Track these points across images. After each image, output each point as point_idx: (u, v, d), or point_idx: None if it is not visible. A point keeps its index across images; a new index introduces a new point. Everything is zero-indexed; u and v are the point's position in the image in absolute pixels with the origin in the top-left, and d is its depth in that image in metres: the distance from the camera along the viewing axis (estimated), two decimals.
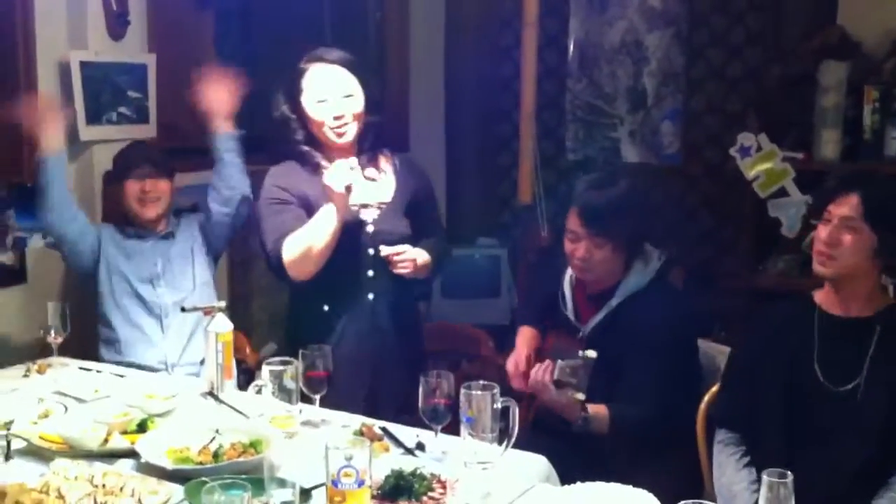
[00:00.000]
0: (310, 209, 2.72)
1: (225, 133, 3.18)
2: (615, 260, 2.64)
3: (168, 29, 3.72)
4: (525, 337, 2.92)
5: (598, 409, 2.51)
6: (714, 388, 2.52)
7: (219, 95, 3.12)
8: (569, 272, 2.78)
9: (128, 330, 3.14)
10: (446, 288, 4.78)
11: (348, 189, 2.59)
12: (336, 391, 2.43)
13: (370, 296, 2.77)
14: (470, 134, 5.16)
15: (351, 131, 2.76)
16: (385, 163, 2.88)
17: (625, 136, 4.93)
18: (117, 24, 3.48)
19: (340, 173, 2.60)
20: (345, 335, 2.76)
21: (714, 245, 4.65)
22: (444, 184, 5.23)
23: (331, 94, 2.73)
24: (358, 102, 2.77)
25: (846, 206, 2.19)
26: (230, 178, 3.20)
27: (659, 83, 4.82)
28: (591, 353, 2.36)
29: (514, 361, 2.83)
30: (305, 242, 2.65)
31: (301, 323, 2.88)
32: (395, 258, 2.69)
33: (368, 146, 2.83)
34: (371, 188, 2.79)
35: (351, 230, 2.70)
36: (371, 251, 2.73)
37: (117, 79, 3.50)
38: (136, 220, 3.21)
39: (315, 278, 2.71)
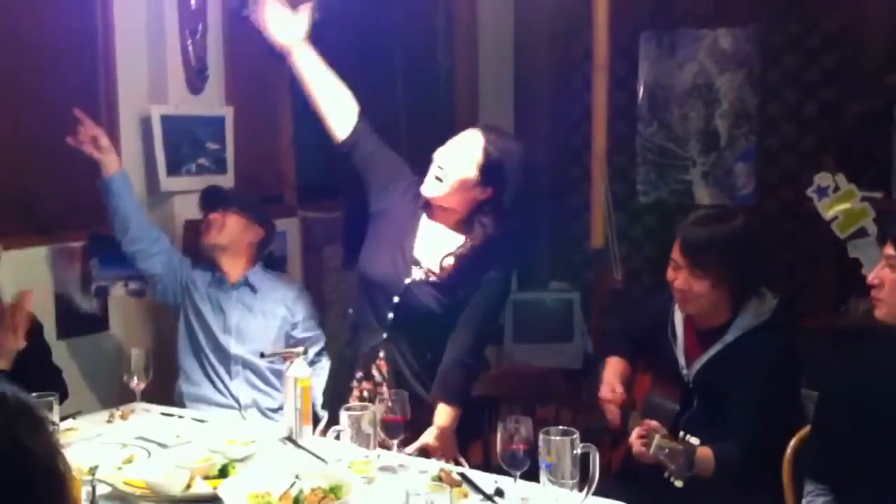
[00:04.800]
0: (386, 215, 2.81)
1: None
2: (717, 296, 2.56)
3: (245, 81, 3.82)
4: (615, 368, 2.84)
5: (702, 452, 2.31)
6: (800, 434, 2.45)
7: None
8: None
9: (198, 374, 3.22)
10: (518, 332, 4.76)
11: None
12: None
13: (384, 335, 2.79)
14: (540, 176, 5.16)
15: (433, 187, 2.69)
16: (473, 243, 2.73)
17: (697, 178, 4.89)
18: (197, 79, 3.59)
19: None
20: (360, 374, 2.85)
21: (793, 286, 4.56)
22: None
23: (446, 147, 2.73)
24: (455, 168, 2.67)
25: None
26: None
27: (731, 124, 4.79)
28: (694, 441, 2.25)
29: (610, 389, 2.76)
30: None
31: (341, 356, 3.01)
32: None
33: (474, 224, 2.73)
34: (434, 252, 2.76)
35: (393, 278, 2.74)
36: (396, 299, 2.74)
37: (197, 131, 3.60)
38: (211, 258, 3.25)
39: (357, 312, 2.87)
